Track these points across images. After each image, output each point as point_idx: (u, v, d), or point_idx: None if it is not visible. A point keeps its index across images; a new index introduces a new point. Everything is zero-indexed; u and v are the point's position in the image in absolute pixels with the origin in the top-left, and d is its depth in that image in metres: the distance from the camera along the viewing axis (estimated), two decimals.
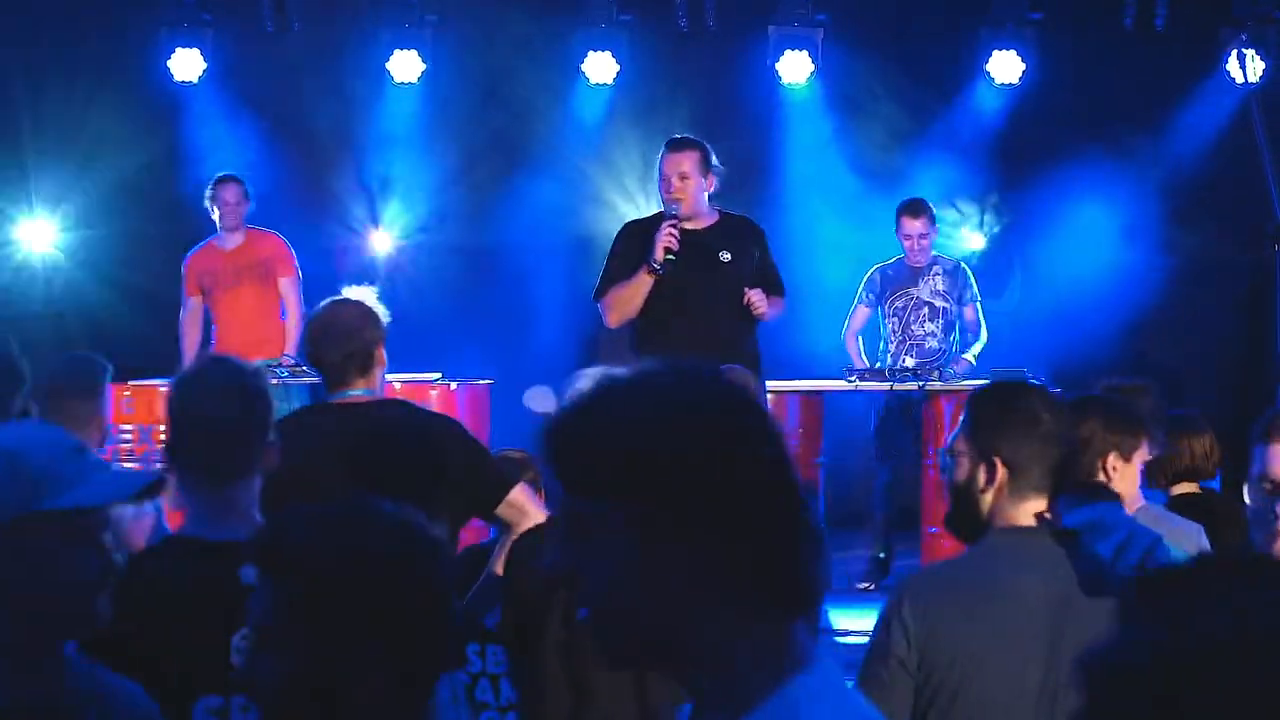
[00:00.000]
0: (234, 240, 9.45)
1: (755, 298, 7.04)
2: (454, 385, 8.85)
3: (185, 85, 11.15)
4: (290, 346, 9.21)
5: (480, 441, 4.94)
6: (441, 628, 2.19)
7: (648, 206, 11.64)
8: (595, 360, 11.17)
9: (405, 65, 11.06)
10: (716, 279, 7.06)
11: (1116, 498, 4.12)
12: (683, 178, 7.14)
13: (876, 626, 3.31)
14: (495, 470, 4.55)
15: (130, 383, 8.44)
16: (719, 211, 7.34)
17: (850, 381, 8.84)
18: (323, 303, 4.58)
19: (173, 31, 11.07)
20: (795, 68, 10.87)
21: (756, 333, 7.21)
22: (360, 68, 11.27)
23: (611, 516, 1.70)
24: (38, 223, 11.78)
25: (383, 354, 4.61)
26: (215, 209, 9.38)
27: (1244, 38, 9.92)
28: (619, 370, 1.77)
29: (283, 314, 9.48)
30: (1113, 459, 4.12)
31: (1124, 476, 4.15)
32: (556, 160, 11.45)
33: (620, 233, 7.45)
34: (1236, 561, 1.43)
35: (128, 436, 8.33)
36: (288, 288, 9.43)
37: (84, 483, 2.37)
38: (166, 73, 11.06)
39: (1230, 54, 10.16)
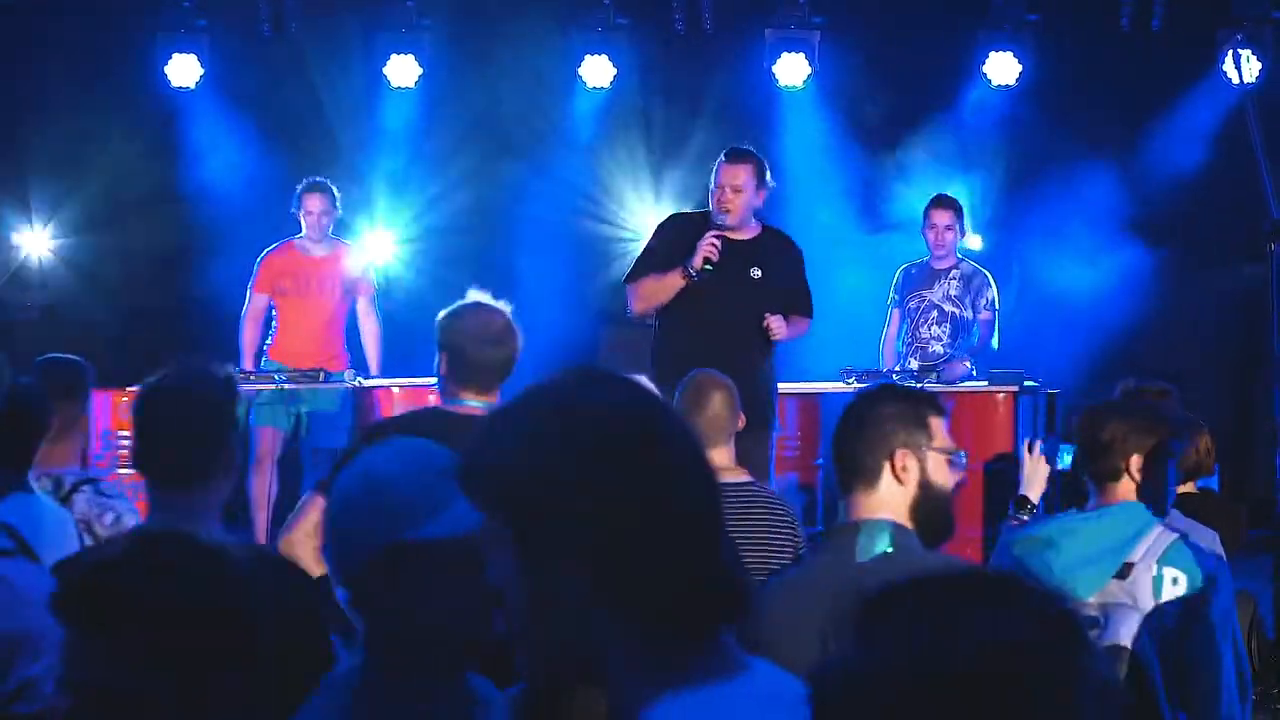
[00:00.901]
0: (320, 249, 9.27)
1: (774, 324, 7.11)
2: None
3: (182, 91, 11.16)
4: (375, 367, 9.27)
5: None
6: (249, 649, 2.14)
7: (646, 209, 11.66)
8: (593, 360, 11.16)
9: (402, 70, 11.07)
10: (742, 293, 7.11)
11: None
12: (736, 190, 7.21)
13: None
14: None
15: (129, 388, 8.44)
16: (762, 225, 7.42)
17: (848, 383, 8.84)
18: (469, 304, 4.41)
19: (169, 37, 11.08)
20: (792, 70, 10.87)
21: (773, 351, 7.27)
22: (357, 73, 11.28)
23: (504, 534, 1.73)
24: (35, 228, 11.78)
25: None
26: (301, 217, 9.23)
27: (1240, 38, 9.93)
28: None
29: (346, 327, 9.38)
30: (1137, 460, 4.13)
31: (1153, 475, 4.16)
32: (554, 164, 11.46)
33: (664, 223, 7.53)
34: (965, 578, 1.42)
35: (126, 443, 8.33)
36: (369, 306, 9.36)
37: (446, 510, 2.31)
38: (163, 78, 11.07)
39: (1226, 54, 10.17)
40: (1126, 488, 4.13)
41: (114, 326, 11.26)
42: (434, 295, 11.51)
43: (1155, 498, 4.17)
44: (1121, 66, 10.95)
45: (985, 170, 11.23)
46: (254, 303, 9.30)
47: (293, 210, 9.31)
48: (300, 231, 9.30)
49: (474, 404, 4.24)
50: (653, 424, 1.76)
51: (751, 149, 7.42)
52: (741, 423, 5.13)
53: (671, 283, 7.12)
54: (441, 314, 4.36)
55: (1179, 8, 10.75)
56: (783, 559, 4.91)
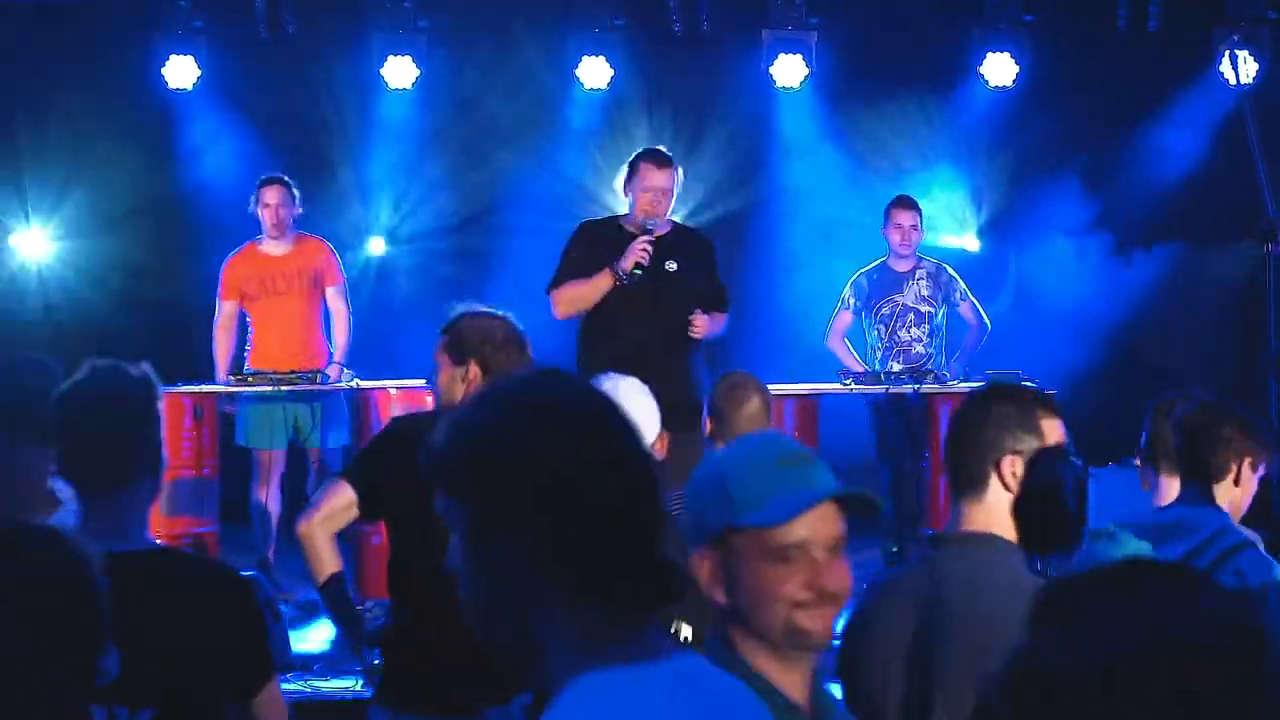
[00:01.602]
0: (280, 246, 9.04)
1: (698, 321, 7.28)
2: None
3: (179, 92, 11.15)
4: (341, 355, 9.10)
5: None
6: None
7: None
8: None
9: (399, 71, 11.07)
10: (661, 286, 7.25)
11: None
12: (664, 193, 7.34)
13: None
14: None
15: None
16: (672, 222, 7.59)
17: (845, 385, 8.85)
18: (474, 309, 4.72)
19: (166, 39, 11.07)
20: (789, 71, 10.88)
21: (699, 348, 7.40)
22: (354, 74, 11.28)
23: (456, 513, 1.90)
24: (33, 230, 11.78)
25: None
26: (259, 212, 9.00)
27: (1236, 39, 9.93)
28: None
29: (325, 323, 9.23)
30: (1246, 465, 4.14)
31: (1247, 483, 4.16)
32: (551, 165, 11.46)
33: (579, 233, 7.58)
34: (1146, 568, 1.46)
35: None
36: (336, 296, 9.12)
37: (773, 497, 2.47)
38: (161, 80, 11.06)
39: (1223, 55, 10.18)
40: (1226, 489, 4.11)
41: (111, 328, 11.25)
42: (431, 296, 11.54)
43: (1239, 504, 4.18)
44: (1118, 67, 10.96)
45: (982, 170, 11.24)
46: (223, 310, 9.14)
47: (250, 209, 9.09)
48: (260, 232, 9.09)
49: None
50: (595, 419, 1.92)
51: (668, 152, 7.59)
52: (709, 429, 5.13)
53: (598, 287, 7.26)
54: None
55: (1175, 8, 10.76)
56: None
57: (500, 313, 4.69)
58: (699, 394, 6.93)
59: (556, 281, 7.43)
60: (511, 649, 1.92)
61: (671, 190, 7.37)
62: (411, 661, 4.44)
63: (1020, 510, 3.16)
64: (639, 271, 7.20)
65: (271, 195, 8.98)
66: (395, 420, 5.28)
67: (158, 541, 3.28)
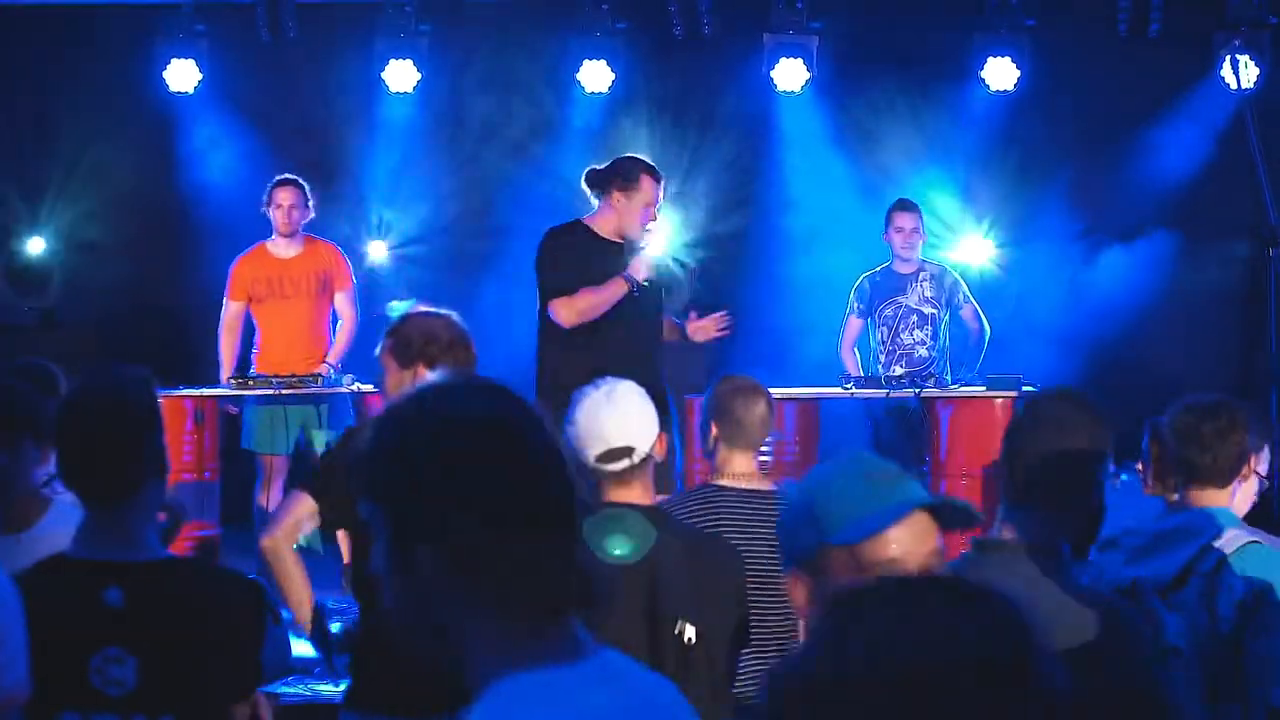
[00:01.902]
0: (291, 248, 9.04)
1: (696, 326, 7.46)
2: None
3: (181, 96, 11.16)
4: (335, 356, 9.08)
5: None
6: None
7: None
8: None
9: (400, 75, 11.06)
10: (638, 299, 7.26)
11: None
12: (660, 209, 7.46)
13: None
14: None
15: None
16: None
17: (846, 389, 8.85)
18: (420, 309, 4.84)
19: (168, 42, 11.07)
20: (790, 75, 10.87)
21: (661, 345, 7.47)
22: (355, 78, 11.28)
23: (379, 517, 1.93)
24: (34, 232, 11.79)
25: None
26: (271, 213, 9.02)
27: (1237, 43, 9.94)
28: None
29: (333, 328, 9.21)
30: (1250, 462, 4.14)
31: (1249, 483, 4.16)
32: (552, 169, 11.45)
33: (559, 241, 7.47)
34: (927, 582, 1.54)
35: None
36: (345, 301, 9.12)
37: (864, 513, 2.45)
38: (162, 83, 11.07)
39: (1224, 60, 10.18)
40: (1225, 493, 4.11)
41: (112, 331, 11.26)
42: (432, 300, 11.53)
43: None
44: (1119, 72, 10.95)
45: (982, 175, 11.23)
46: (229, 310, 9.14)
47: (262, 209, 9.11)
48: (271, 234, 9.10)
49: None
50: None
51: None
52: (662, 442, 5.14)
53: (613, 294, 7.21)
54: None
55: (1176, 13, 10.75)
56: None
57: (445, 313, 4.72)
58: (667, 396, 7.02)
59: (564, 289, 7.27)
60: (435, 654, 1.93)
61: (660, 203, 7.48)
62: (379, 665, 4.43)
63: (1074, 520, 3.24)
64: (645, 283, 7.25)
65: (285, 196, 8.99)
66: (350, 428, 5.31)
67: (167, 551, 3.27)
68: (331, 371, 8.87)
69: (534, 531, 1.90)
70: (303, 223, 9.12)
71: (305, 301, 9.07)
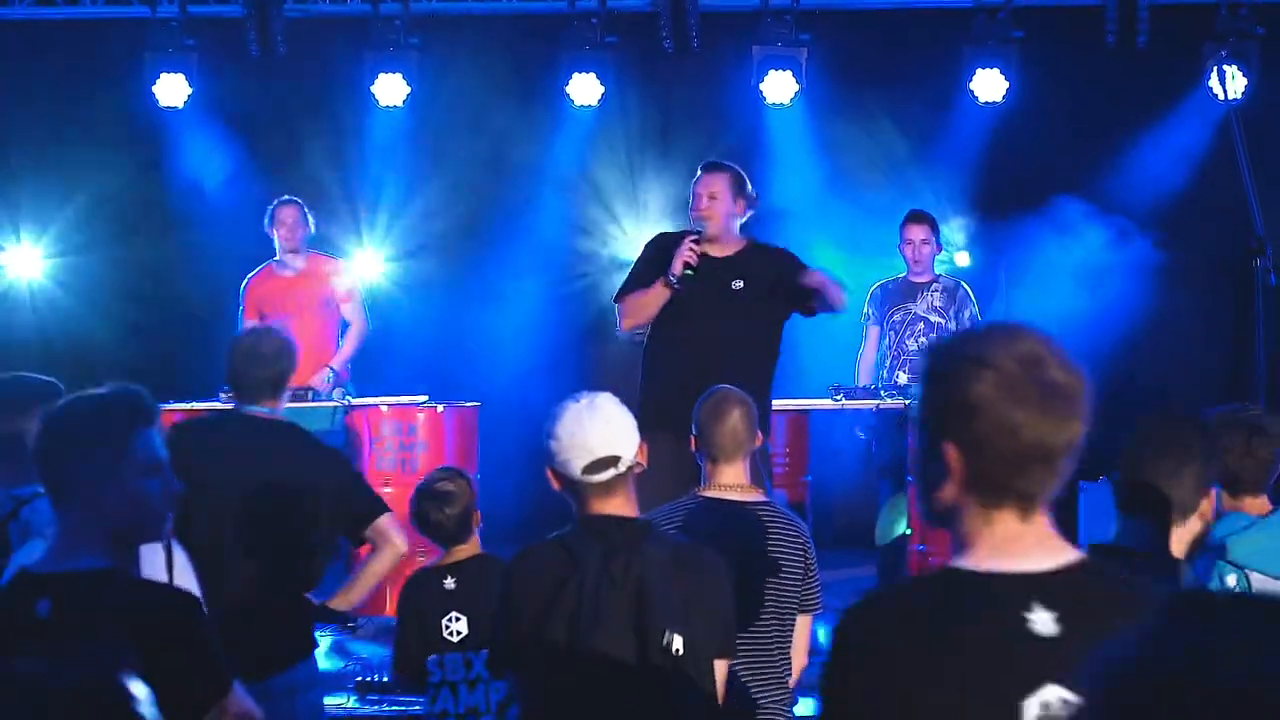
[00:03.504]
0: (295, 265, 9.28)
1: (812, 278, 7.03)
2: (440, 408, 8.85)
3: (170, 110, 11.16)
4: (339, 361, 9.22)
5: (355, 469, 5.77)
6: None
7: (634, 227, 11.68)
8: (582, 379, 11.18)
9: (390, 89, 11.08)
10: (724, 307, 7.10)
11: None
12: (712, 198, 7.27)
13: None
14: (366, 497, 5.31)
15: None
16: (748, 240, 7.41)
17: (836, 400, 8.86)
18: (249, 328, 5.12)
19: (157, 57, 11.08)
20: (780, 88, 10.89)
21: (769, 365, 7.20)
22: (345, 91, 11.29)
23: None
24: (23, 248, 11.79)
25: (289, 383, 5.36)
26: (274, 232, 9.29)
27: (1225, 54, 9.97)
28: None
29: (341, 337, 9.40)
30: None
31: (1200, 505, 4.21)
32: (542, 182, 11.48)
33: (650, 242, 7.53)
34: (1268, 604, 1.48)
35: None
36: (353, 311, 9.34)
37: None
38: (152, 98, 11.07)
39: (1211, 70, 10.21)
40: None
41: (102, 345, 11.26)
42: (423, 313, 11.57)
43: None
44: (1107, 83, 10.98)
45: (972, 186, 11.26)
46: (245, 328, 9.31)
47: (266, 229, 9.33)
48: (275, 254, 9.33)
49: (261, 410, 5.27)
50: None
51: (729, 163, 7.51)
52: (759, 441, 5.13)
53: (655, 295, 7.15)
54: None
55: (1164, 24, 10.78)
56: (793, 577, 4.91)
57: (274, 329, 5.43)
58: (764, 399, 6.85)
59: (622, 292, 7.32)
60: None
61: (720, 195, 7.25)
62: None
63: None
64: (691, 273, 7.06)
65: (286, 215, 9.26)
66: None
67: (103, 561, 3.27)
68: (329, 377, 8.94)
69: None
70: (304, 240, 9.35)
71: (311, 317, 9.23)
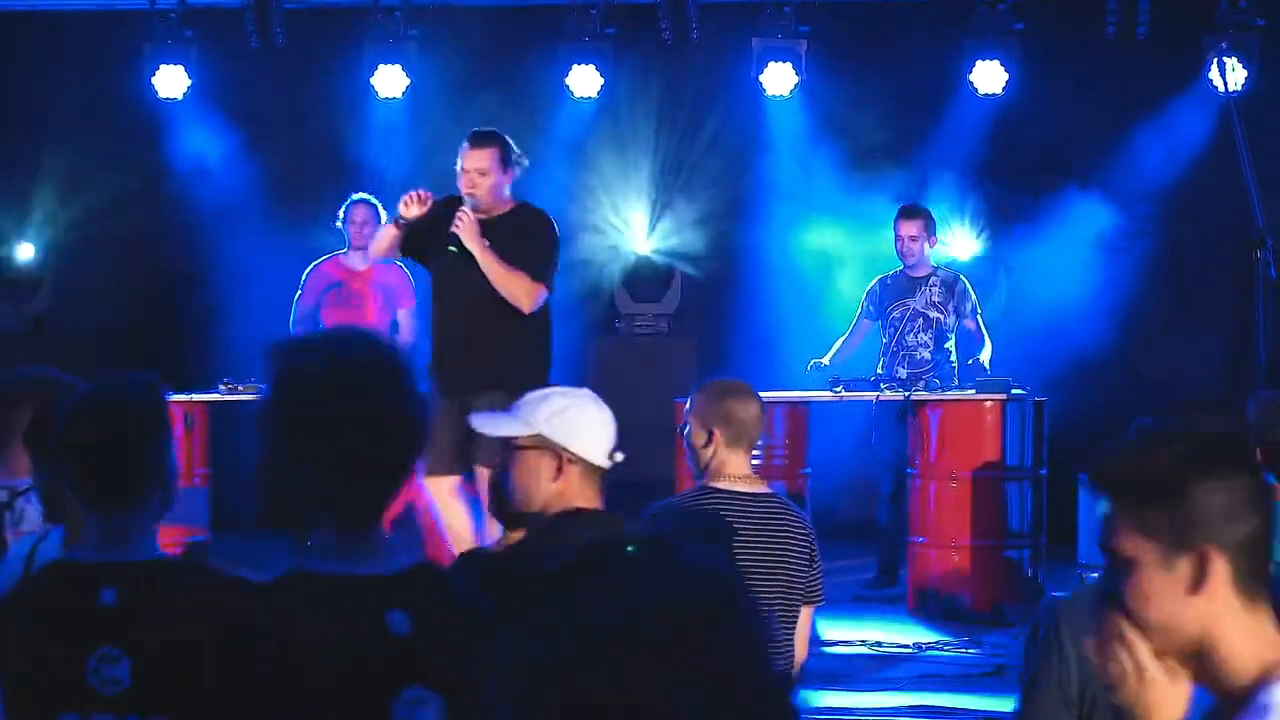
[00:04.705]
0: (362, 262, 9.38)
1: (464, 218, 7.22)
2: None
3: (170, 102, 11.15)
4: None
5: None
6: None
7: (634, 218, 11.68)
8: (582, 372, 11.19)
9: (389, 80, 11.07)
10: (472, 269, 7.21)
11: None
12: (481, 173, 7.34)
13: (1031, 657, 3.18)
14: None
15: None
16: (515, 202, 7.52)
17: (836, 392, 8.85)
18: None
19: (156, 48, 11.07)
20: (779, 79, 10.88)
21: (533, 324, 7.30)
22: (344, 83, 11.28)
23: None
24: (23, 238, 11.78)
25: None
26: (346, 228, 9.41)
27: (1225, 46, 9.96)
28: None
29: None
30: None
31: None
32: (540, 174, 11.44)
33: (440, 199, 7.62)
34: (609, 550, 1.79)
35: None
36: (407, 317, 9.42)
37: None
38: (151, 89, 11.06)
39: (1211, 62, 10.20)
40: None
41: (103, 336, 11.26)
42: (422, 304, 11.54)
43: None
44: (1107, 75, 10.97)
45: (971, 178, 11.25)
46: (297, 311, 9.38)
47: (337, 224, 9.43)
48: (345, 246, 9.44)
49: None
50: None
51: (495, 130, 7.54)
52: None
53: (386, 231, 7.48)
54: None
55: (1164, 16, 10.77)
56: (798, 568, 4.90)
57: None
58: (523, 367, 6.97)
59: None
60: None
61: (491, 169, 7.34)
62: None
63: None
64: (454, 249, 7.23)
65: (358, 213, 9.37)
66: None
67: (162, 552, 3.29)
68: None
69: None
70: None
71: (368, 313, 9.34)
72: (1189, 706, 2.08)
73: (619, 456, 3.97)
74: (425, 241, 7.42)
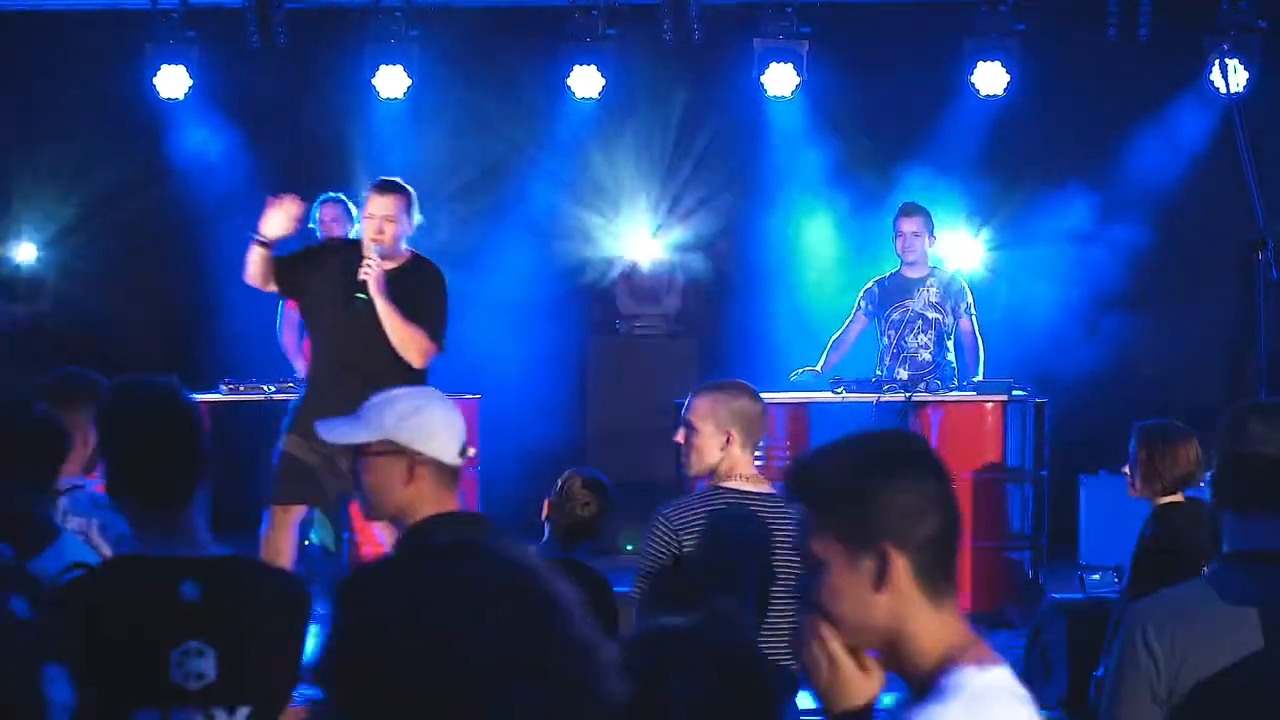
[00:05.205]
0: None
1: (371, 266, 7.02)
2: None
3: (171, 102, 11.15)
4: None
5: None
6: None
7: (635, 219, 11.68)
8: (581, 373, 11.18)
9: (390, 81, 11.07)
10: (362, 319, 7.03)
11: None
12: (389, 220, 7.16)
13: (1118, 659, 3.23)
14: None
15: None
16: (410, 253, 7.34)
17: (837, 394, 8.85)
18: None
19: (158, 48, 11.07)
20: (780, 80, 10.88)
21: (415, 377, 7.03)
22: (346, 83, 11.27)
23: None
24: (24, 238, 11.78)
25: None
26: (316, 227, 9.19)
27: (1226, 47, 9.95)
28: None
29: None
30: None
31: None
32: (542, 174, 11.47)
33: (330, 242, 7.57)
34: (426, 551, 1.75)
35: None
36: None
37: None
38: (152, 89, 11.06)
39: (1213, 63, 10.20)
40: None
41: (103, 337, 11.25)
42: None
43: None
44: (1108, 76, 10.97)
45: (973, 179, 11.25)
46: (286, 313, 9.25)
47: (310, 225, 9.32)
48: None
49: None
50: None
51: (400, 180, 7.34)
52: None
53: (253, 253, 7.02)
54: None
55: (1165, 17, 10.77)
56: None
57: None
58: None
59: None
60: None
61: (395, 217, 7.15)
62: None
63: None
64: (362, 296, 7.02)
65: (327, 212, 9.20)
66: None
67: (223, 548, 3.33)
68: None
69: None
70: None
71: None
72: (878, 693, 2.33)
73: (471, 452, 3.90)
74: (305, 281, 7.16)
